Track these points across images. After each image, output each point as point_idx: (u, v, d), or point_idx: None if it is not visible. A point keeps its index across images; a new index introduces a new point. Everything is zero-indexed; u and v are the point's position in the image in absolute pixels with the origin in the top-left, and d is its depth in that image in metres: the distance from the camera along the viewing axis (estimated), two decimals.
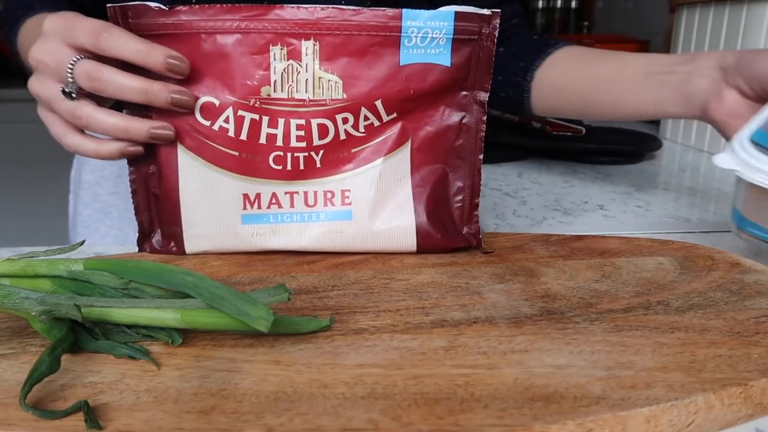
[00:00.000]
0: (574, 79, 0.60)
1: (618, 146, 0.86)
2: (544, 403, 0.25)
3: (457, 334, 0.31)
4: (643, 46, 1.31)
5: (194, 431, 0.23)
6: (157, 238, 0.43)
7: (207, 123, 0.40)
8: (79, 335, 0.29)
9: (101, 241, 0.61)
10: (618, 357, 0.28)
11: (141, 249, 0.44)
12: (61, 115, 0.40)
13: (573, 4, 1.94)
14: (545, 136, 0.89)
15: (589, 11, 2.04)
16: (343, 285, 0.37)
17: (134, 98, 0.38)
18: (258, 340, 0.30)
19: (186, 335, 0.31)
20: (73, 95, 0.38)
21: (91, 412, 0.24)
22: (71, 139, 0.40)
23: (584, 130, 0.87)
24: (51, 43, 0.39)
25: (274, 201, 0.41)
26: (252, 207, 0.41)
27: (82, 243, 0.35)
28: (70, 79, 0.38)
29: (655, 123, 1.09)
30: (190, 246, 0.42)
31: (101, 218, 0.62)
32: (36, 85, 0.40)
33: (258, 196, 0.41)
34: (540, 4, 1.92)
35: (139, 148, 0.41)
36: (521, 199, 0.68)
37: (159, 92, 0.38)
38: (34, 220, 2.05)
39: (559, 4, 1.93)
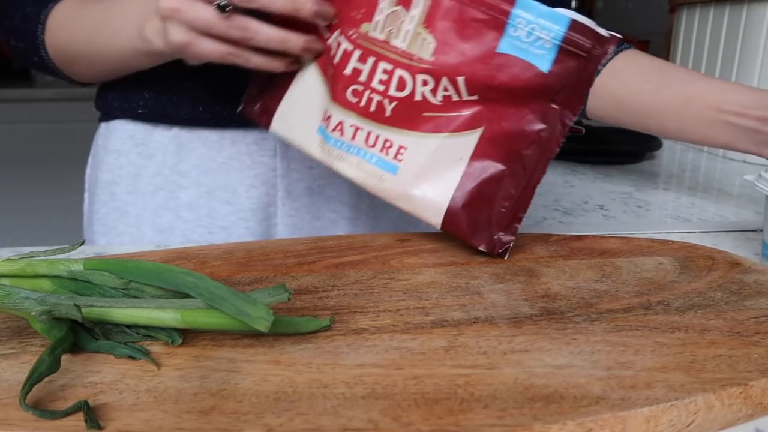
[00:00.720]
0: (637, 95, 0.59)
1: (618, 146, 0.86)
2: (544, 403, 0.25)
3: (457, 334, 0.31)
4: (643, 46, 1.31)
5: (194, 431, 0.23)
6: (257, 107, 0.47)
7: (326, 36, 0.42)
8: (79, 335, 0.29)
9: (118, 239, 0.61)
10: (618, 357, 0.28)
11: (242, 110, 0.48)
12: (222, 32, 0.41)
13: (573, 4, 1.93)
14: None
15: (589, 11, 2.04)
16: (343, 285, 0.37)
17: (282, 9, 0.41)
18: (258, 340, 0.30)
19: (186, 335, 0.31)
20: (227, 9, 0.40)
21: (91, 412, 0.24)
22: (250, 57, 0.42)
23: (584, 130, 0.87)
24: None
25: (339, 128, 0.42)
26: (324, 123, 0.43)
27: (82, 243, 0.35)
28: None
29: None
30: (275, 125, 0.46)
31: (118, 217, 0.62)
32: (177, 2, 0.41)
33: (329, 117, 0.42)
34: None
35: (299, 65, 0.44)
36: None
37: (305, 2, 0.40)
38: (35, 220, 2.05)
39: None
